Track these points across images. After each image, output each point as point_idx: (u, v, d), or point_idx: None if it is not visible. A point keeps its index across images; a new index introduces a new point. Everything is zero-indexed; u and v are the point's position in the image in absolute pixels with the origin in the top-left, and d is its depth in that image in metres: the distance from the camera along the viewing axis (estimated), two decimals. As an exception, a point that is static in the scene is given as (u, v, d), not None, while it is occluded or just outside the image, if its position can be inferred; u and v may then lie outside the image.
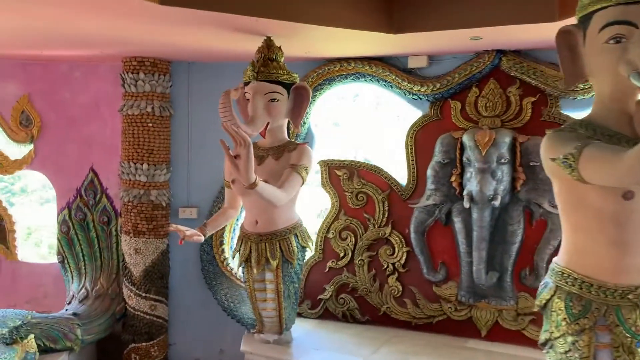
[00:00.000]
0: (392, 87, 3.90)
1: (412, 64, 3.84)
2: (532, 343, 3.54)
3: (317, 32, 3.17)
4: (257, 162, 3.21)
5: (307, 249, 3.41)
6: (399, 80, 3.81)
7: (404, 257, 3.90)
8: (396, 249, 3.92)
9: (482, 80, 3.67)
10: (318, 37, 3.29)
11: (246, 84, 3.18)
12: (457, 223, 3.71)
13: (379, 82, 3.92)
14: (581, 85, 3.34)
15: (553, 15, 2.76)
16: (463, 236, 3.68)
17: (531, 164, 3.48)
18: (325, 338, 3.75)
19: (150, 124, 4.08)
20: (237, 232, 4.21)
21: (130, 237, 4.12)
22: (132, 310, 4.14)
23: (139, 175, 4.07)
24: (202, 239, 3.22)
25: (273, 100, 3.12)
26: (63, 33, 3.28)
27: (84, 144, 4.37)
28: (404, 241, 3.90)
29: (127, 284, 4.15)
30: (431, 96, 3.77)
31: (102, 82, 4.34)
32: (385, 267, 3.94)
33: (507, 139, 3.49)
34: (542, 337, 2.19)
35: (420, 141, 3.86)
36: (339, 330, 3.86)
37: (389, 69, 3.83)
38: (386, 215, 3.94)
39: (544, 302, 2.17)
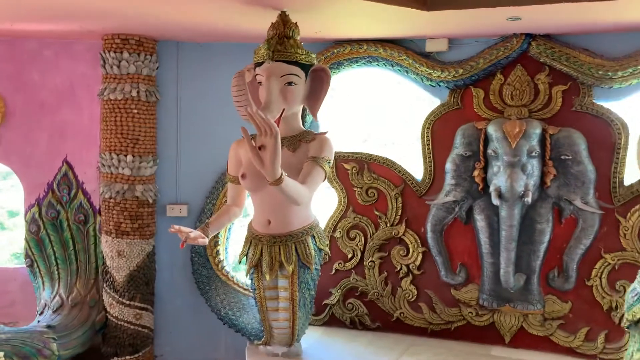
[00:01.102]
0: (407, 73, 3.56)
1: (430, 47, 3.51)
2: (561, 349, 3.34)
3: (338, 7, 2.80)
4: (270, 153, 2.82)
5: (324, 251, 3.05)
6: (417, 65, 3.48)
7: (419, 259, 3.59)
8: (410, 250, 3.60)
9: (508, 67, 3.38)
10: (338, 12, 2.92)
11: (258, 64, 2.77)
12: (480, 221, 3.42)
13: (393, 66, 3.58)
14: (619, 73, 3.11)
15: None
16: (486, 235, 3.40)
17: (562, 157, 3.23)
18: (337, 348, 3.40)
19: (136, 111, 3.61)
20: (232, 233, 3.89)
21: (113, 238, 3.64)
22: (114, 319, 3.67)
23: (123, 168, 3.60)
24: (207, 241, 2.80)
25: (290, 83, 2.73)
26: (37, 1, 2.79)
27: (56, 133, 3.84)
28: (419, 241, 3.58)
29: (108, 290, 3.68)
30: (452, 83, 3.46)
31: (77, 62, 3.82)
32: (398, 269, 3.62)
33: (538, 131, 3.22)
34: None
35: (438, 132, 3.55)
36: (350, 339, 3.52)
37: (405, 52, 3.49)
38: (399, 213, 3.61)
39: (638, 316, 1.88)
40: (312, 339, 3.42)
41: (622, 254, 3.19)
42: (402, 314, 3.62)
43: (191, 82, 3.82)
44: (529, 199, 3.17)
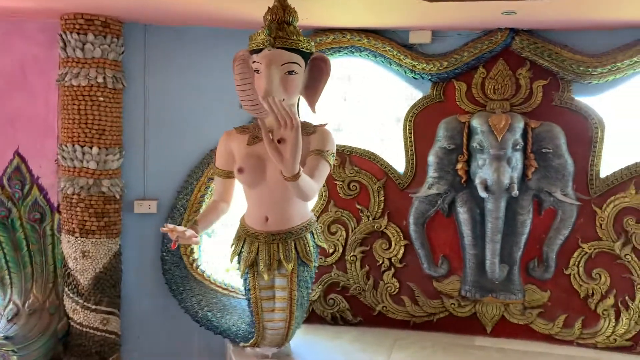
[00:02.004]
0: (390, 64, 3.51)
1: (413, 39, 3.48)
2: (540, 337, 3.44)
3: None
4: (268, 146, 2.67)
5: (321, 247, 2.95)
6: (401, 57, 3.44)
7: (401, 252, 3.57)
8: (393, 243, 3.57)
9: (490, 61, 3.42)
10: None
11: (255, 51, 2.60)
12: (462, 213, 3.45)
13: (376, 57, 3.51)
14: (599, 69, 3.23)
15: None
16: (469, 227, 3.44)
17: (543, 150, 3.31)
18: (323, 346, 3.31)
19: (102, 99, 3.30)
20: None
21: (76, 238, 3.32)
22: (78, 326, 3.36)
23: (88, 162, 3.28)
24: (199, 240, 2.62)
25: (290, 72, 2.58)
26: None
27: (6, 122, 3.43)
28: (401, 234, 3.56)
29: (71, 295, 3.36)
30: (435, 75, 3.45)
31: (29, 43, 3.43)
32: (380, 262, 3.58)
33: (521, 124, 3.29)
34: None
35: (420, 125, 3.53)
36: (334, 336, 3.43)
37: (389, 43, 3.44)
38: (382, 206, 3.57)
39: None
40: (296, 337, 3.30)
41: (598, 243, 3.34)
42: (384, 308, 3.59)
43: (160, 68, 3.55)
44: (516, 192, 3.23)
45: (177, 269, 3.52)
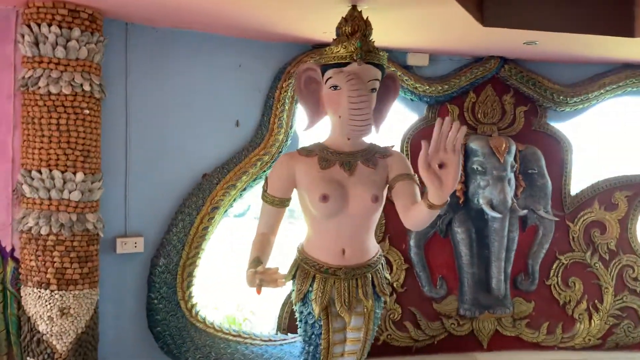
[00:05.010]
0: (391, 85, 3.44)
1: (412, 61, 3.47)
2: (528, 345, 3.69)
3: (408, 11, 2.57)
4: (344, 169, 2.40)
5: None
6: (404, 78, 3.40)
7: (402, 276, 3.50)
8: (394, 267, 3.48)
9: (479, 86, 3.58)
10: (399, 17, 2.66)
11: (334, 65, 2.32)
12: (460, 233, 3.53)
13: (377, 77, 3.40)
14: (574, 99, 3.61)
15: (632, 31, 2.90)
16: (466, 247, 3.53)
17: (529, 171, 3.57)
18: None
19: (87, 111, 2.59)
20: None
21: (52, 292, 2.53)
22: (52, 409, 2.55)
23: (70, 192, 2.54)
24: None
25: (373, 90, 2.36)
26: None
27: None
28: (402, 258, 3.49)
29: (41, 368, 2.55)
30: (433, 98, 3.48)
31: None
32: (382, 289, 3.45)
33: (514, 147, 3.50)
34: None
35: (417, 146, 3.50)
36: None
37: (392, 63, 3.37)
38: (383, 230, 3.46)
39: None
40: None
41: (572, 254, 3.70)
42: (389, 336, 3.47)
43: (143, 75, 2.93)
44: (523, 211, 3.43)
45: (173, 319, 2.91)
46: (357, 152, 2.43)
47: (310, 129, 2.47)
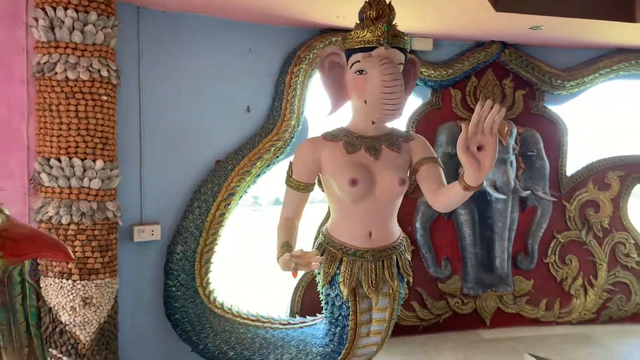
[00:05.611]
0: (396, 70, 3.47)
1: (416, 46, 3.51)
2: (528, 322, 3.81)
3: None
4: (370, 153, 2.43)
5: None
6: (410, 63, 3.43)
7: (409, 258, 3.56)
8: (401, 250, 3.54)
9: (480, 71, 3.65)
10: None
11: (360, 50, 2.33)
12: (463, 215, 3.62)
13: (383, 62, 3.43)
14: (571, 82, 3.71)
15: (633, 16, 3.01)
16: (469, 228, 3.62)
17: (529, 153, 3.67)
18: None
19: (105, 97, 2.54)
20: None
21: (74, 282, 2.50)
22: (76, 399, 2.53)
23: (91, 180, 2.50)
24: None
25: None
26: None
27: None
28: (409, 240, 3.56)
29: (65, 359, 2.51)
30: (438, 83, 3.54)
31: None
32: (390, 270, 3.51)
33: (515, 130, 3.59)
34: None
35: (421, 130, 3.57)
36: (366, 353, 3.26)
37: (398, 48, 3.40)
38: (390, 213, 3.51)
39: None
40: None
41: (568, 233, 3.84)
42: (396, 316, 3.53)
43: (156, 61, 2.88)
44: (527, 192, 3.53)
45: (192, 305, 2.90)
46: (381, 137, 2.46)
47: (333, 114, 2.49)
